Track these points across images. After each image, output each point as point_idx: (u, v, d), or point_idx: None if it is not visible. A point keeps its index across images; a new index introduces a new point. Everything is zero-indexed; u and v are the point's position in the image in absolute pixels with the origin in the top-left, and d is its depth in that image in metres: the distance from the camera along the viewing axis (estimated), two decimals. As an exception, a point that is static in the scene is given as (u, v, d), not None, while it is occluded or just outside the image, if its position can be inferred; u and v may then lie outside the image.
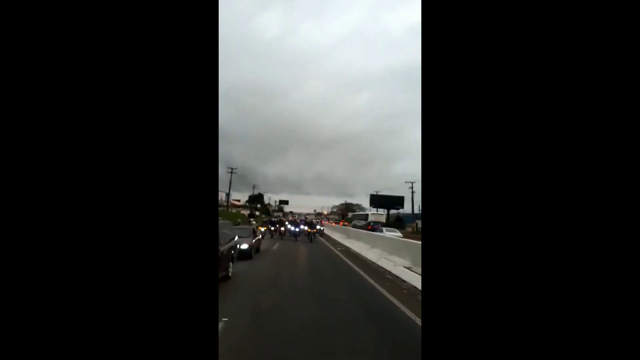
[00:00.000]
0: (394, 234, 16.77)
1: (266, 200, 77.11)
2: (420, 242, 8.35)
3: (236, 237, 7.83)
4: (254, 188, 66.39)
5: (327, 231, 23.16)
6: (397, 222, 38.04)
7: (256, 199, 69.65)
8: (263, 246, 12.26)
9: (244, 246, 9.00)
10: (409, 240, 9.06)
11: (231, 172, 43.91)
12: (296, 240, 16.42)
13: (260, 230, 17.67)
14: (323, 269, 7.94)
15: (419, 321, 3.79)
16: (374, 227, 23.64)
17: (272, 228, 18.68)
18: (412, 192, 39.77)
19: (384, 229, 20.76)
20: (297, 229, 17.80)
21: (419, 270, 6.38)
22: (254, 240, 10.07)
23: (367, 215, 39.21)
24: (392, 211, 44.87)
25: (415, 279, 6.02)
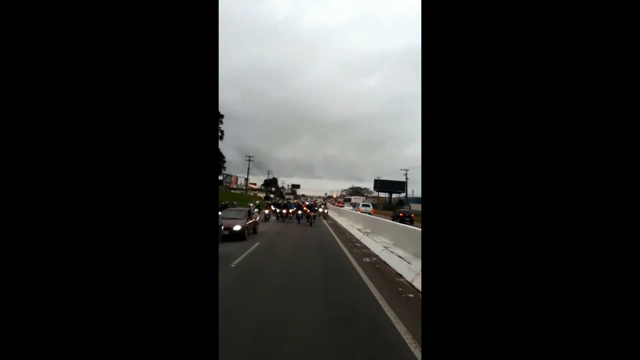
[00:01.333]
0: (367, 208, 27.00)
1: (279, 184, 80.00)
2: (372, 215, 17.55)
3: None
4: (269, 173, 69.56)
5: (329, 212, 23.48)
6: (398, 205, 43.03)
7: (271, 183, 72.49)
8: (263, 228, 12.69)
9: (237, 227, 9.40)
10: (372, 216, 16.18)
11: (249, 160, 47.52)
12: (299, 222, 16.24)
13: (264, 212, 17.22)
14: (309, 233, 12.34)
15: (346, 250, 8.51)
16: (355, 206, 31.05)
17: (279, 211, 17.76)
18: (406, 179, 48.16)
19: (361, 205, 29.84)
20: (299, 212, 16.95)
21: (368, 230, 11.67)
22: (248, 222, 10.27)
23: (350, 199, 49.54)
24: (394, 195, 48.75)
25: (358, 234, 11.47)
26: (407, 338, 3.01)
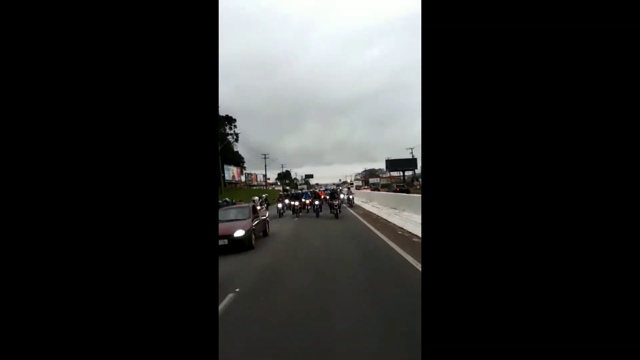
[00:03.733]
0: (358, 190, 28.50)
1: (293, 176, 79.24)
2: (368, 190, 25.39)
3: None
4: (282, 167, 68.98)
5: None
6: (411, 182, 46.59)
7: (285, 176, 71.81)
8: (274, 228, 9.54)
9: (239, 233, 6.53)
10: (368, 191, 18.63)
11: (265, 157, 47.62)
12: (317, 215, 12.55)
13: (277, 206, 14.00)
14: (336, 230, 9.01)
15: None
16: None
17: (294, 203, 13.79)
18: (412, 156, 49.79)
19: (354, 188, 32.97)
20: (317, 202, 13.29)
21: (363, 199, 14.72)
22: (254, 223, 7.37)
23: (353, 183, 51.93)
24: (408, 173, 48.17)
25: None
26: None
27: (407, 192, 22.74)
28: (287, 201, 14.82)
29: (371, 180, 53.21)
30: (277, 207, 14.29)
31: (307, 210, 14.20)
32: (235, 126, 46.34)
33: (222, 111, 42.72)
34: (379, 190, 29.62)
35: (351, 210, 14.41)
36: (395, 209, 11.47)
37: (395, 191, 24.20)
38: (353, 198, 17.76)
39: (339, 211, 12.16)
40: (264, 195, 16.32)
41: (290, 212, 14.13)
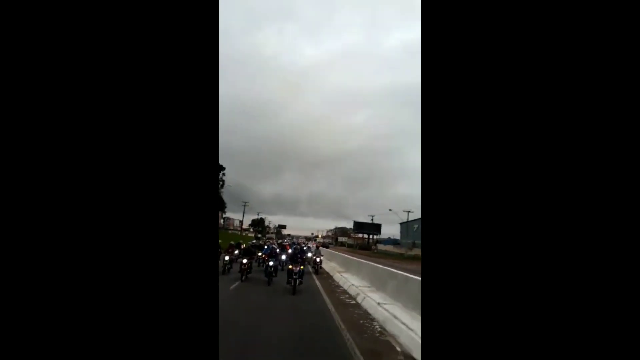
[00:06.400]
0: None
1: (266, 223, 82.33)
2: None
3: None
4: (258, 214, 72.71)
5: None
6: (369, 246, 51.40)
7: (259, 223, 75.32)
8: None
9: None
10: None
11: (244, 205, 51.91)
12: (269, 283, 8.21)
13: (224, 259, 9.74)
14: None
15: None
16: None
17: (243, 261, 8.82)
18: (373, 223, 54.41)
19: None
20: (271, 262, 8.69)
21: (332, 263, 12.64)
22: None
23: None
24: (373, 236, 53.52)
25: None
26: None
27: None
28: (236, 252, 10.47)
29: (340, 239, 58.26)
30: (224, 260, 9.92)
31: (261, 266, 9.97)
32: (224, 174, 50.60)
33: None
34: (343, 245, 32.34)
35: (316, 281, 9.61)
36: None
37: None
38: (320, 262, 12.47)
39: (300, 281, 7.70)
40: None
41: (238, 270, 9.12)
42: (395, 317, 4.88)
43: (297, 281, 7.56)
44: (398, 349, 3.86)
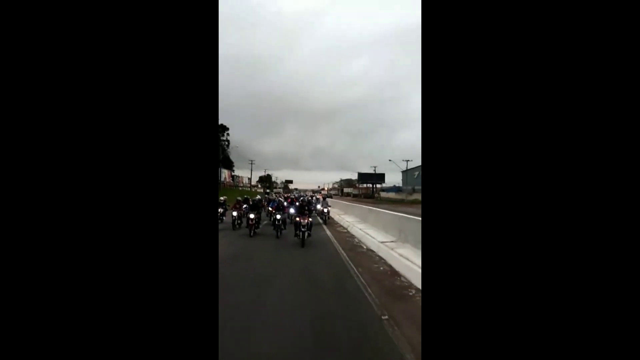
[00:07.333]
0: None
1: (273, 179, 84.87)
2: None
3: None
4: (265, 171, 74.98)
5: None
6: (372, 194, 53.96)
7: (266, 179, 77.84)
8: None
9: None
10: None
11: (251, 163, 53.39)
12: (278, 236, 8.19)
13: (232, 215, 10.00)
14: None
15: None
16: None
17: (250, 216, 8.73)
18: (374, 171, 58.01)
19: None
20: (278, 215, 8.57)
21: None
22: None
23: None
24: (378, 185, 55.85)
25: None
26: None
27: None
28: (244, 206, 10.14)
29: (346, 190, 60.77)
30: (232, 216, 10.06)
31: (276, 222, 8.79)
32: (228, 134, 51.49)
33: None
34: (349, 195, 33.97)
35: (327, 231, 9.60)
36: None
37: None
38: (328, 212, 12.91)
39: (309, 234, 7.42)
40: (221, 198, 11.93)
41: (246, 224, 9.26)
42: (370, 236, 7.68)
43: (306, 234, 7.27)
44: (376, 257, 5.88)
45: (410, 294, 3.88)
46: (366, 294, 3.80)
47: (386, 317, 3.09)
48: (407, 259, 4.98)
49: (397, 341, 2.61)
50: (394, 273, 4.89)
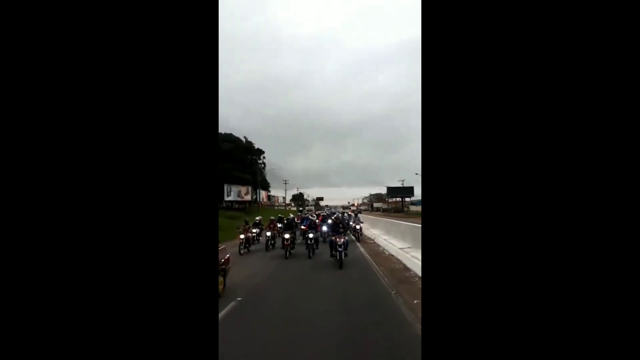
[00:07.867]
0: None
1: (305, 197, 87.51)
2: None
3: None
4: (297, 189, 78.12)
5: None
6: (401, 208, 53.94)
7: (299, 198, 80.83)
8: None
9: None
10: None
11: (285, 183, 57.01)
12: (310, 255, 8.11)
13: (266, 235, 10.06)
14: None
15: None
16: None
17: (285, 236, 8.48)
18: (402, 184, 56.56)
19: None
20: (311, 234, 8.38)
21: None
22: None
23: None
24: (407, 199, 55.74)
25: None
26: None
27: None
28: (279, 226, 10.33)
29: (376, 205, 60.97)
30: (266, 236, 10.12)
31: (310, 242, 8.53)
32: (264, 157, 55.02)
33: (228, 130, 42.79)
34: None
35: (361, 249, 9.67)
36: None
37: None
38: (361, 228, 12.63)
39: (345, 254, 7.05)
40: (257, 218, 11.83)
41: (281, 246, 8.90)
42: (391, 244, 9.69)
43: (343, 254, 6.80)
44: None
45: (414, 280, 5.70)
46: (383, 283, 5.77)
47: (394, 292, 5.04)
48: (417, 259, 6.65)
49: (398, 303, 4.51)
50: (406, 269, 6.76)
